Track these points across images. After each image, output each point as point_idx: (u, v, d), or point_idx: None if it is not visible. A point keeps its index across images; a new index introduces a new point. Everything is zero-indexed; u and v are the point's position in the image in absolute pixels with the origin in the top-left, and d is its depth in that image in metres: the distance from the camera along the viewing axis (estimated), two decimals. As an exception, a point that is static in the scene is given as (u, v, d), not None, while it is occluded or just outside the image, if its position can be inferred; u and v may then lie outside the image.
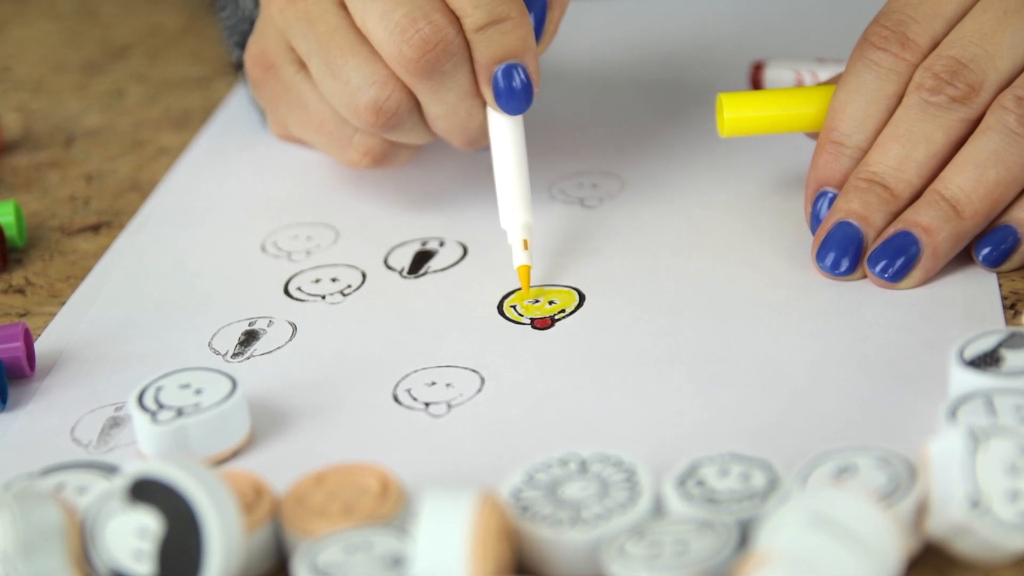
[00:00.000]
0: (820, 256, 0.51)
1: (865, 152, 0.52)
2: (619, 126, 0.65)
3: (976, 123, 0.50)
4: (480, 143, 0.54)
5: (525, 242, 0.52)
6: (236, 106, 0.71)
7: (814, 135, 0.55)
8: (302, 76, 0.55)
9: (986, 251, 0.50)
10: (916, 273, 0.50)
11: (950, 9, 0.51)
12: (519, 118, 0.53)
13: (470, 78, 0.52)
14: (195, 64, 0.78)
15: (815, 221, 0.52)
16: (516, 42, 0.51)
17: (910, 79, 0.51)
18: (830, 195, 0.52)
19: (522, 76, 0.51)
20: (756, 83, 0.65)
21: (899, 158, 0.50)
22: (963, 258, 0.51)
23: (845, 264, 0.51)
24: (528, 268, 0.52)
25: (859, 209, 0.51)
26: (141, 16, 0.86)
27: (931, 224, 0.50)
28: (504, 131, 0.53)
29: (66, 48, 0.82)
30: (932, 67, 0.51)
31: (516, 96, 0.52)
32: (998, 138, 0.49)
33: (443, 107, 0.52)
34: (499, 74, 0.51)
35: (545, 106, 0.67)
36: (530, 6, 0.52)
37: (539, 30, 0.53)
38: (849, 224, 0.51)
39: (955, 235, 0.50)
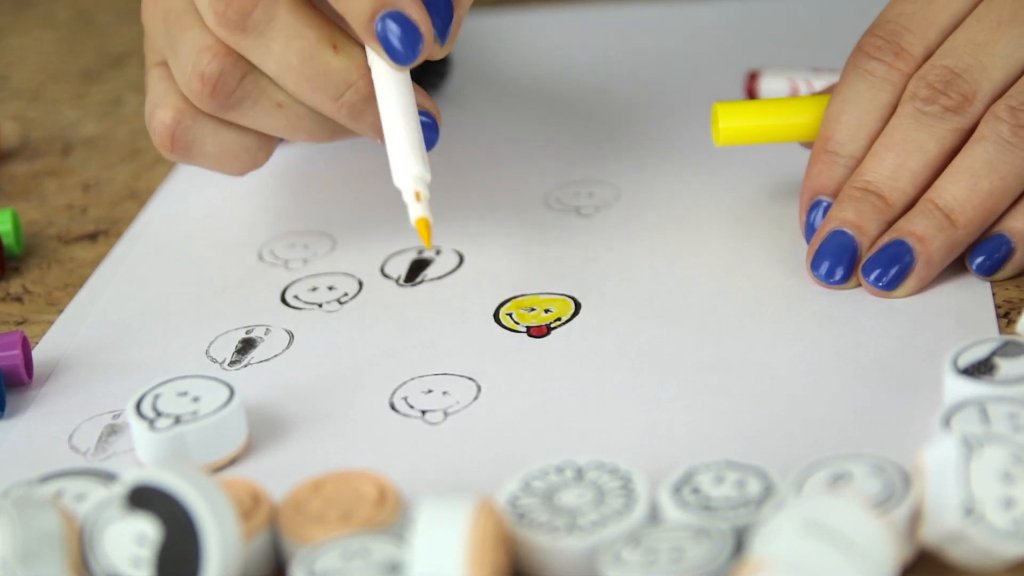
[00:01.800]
0: (815, 265, 0.51)
1: (859, 161, 0.52)
2: (614, 135, 0.65)
3: (969, 133, 0.51)
4: (348, 101, 0.51)
5: (418, 194, 0.50)
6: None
7: (808, 145, 0.55)
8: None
9: (980, 260, 0.51)
10: (910, 282, 0.50)
11: (944, 19, 0.52)
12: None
13: (291, 20, 0.50)
14: (192, 73, 0.78)
15: (810, 230, 0.52)
16: None
17: (904, 89, 0.52)
18: (824, 204, 0.52)
19: (405, 22, 0.49)
20: (751, 92, 0.65)
21: (893, 167, 0.51)
22: (957, 267, 0.51)
23: (839, 273, 0.51)
24: (426, 221, 0.50)
25: (853, 218, 0.51)
26: (138, 25, 0.84)
27: (925, 233, 0.50)
28: (387, 81, 0.51)
29: (63, 57, 0.82)
30: (926, 77, 0.51)
31: (404, 44, 0.49)
32: (992, 147, 0.50)
33: (273, 60, 0.50)
34: (380, 24, 0.49)
35: (540, 116, 0.68)
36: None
37: (447, 24, 0.51)
38: (843, 233, 0.51)
39: (949, 244, 0.50)
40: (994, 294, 0.50)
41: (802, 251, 0.53)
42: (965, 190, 0.50)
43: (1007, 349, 0.44)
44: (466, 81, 0.72)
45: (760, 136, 0.54)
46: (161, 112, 0.53)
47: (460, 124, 0.67)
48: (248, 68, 0.51)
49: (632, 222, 0.57)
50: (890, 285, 0.50)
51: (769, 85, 0.64)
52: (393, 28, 0.49)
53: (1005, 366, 0.44)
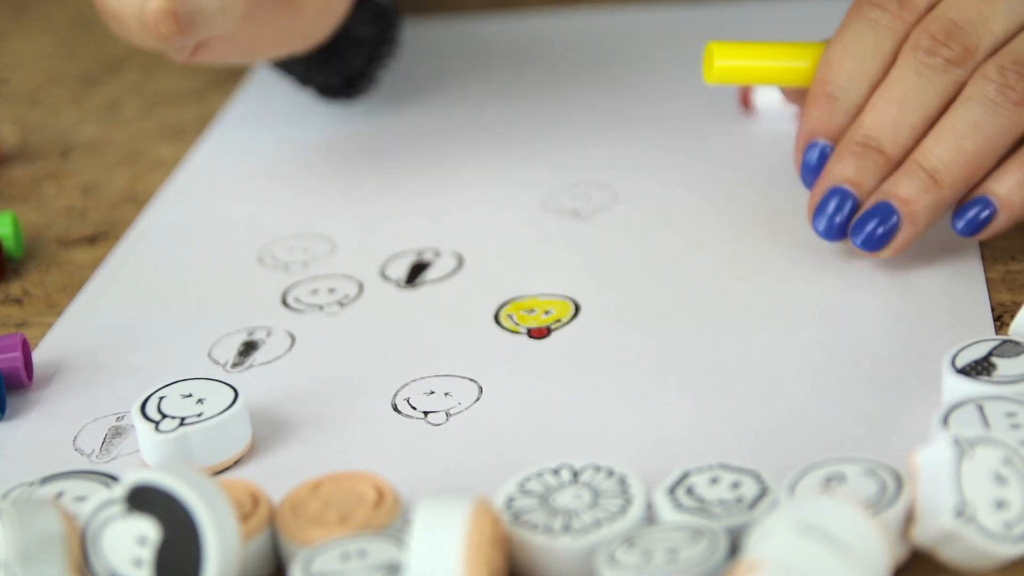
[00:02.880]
0: (815, 221, 0.52)
1: (858, 107, 0.52)
2: (612, 138, 0.65)
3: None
4: None
5: None
6: (232, 118, 0.72)
7: (793, 96, 0.55)
8: None
9: (962, 222, 0.51)
10: (896, 242, 0.51)
11: None
12: None
13: None
14: (190, 77, 0.78)
15: (805, 170, 0.53)
16: None
17: (906, 38, 0.52)
18: (821, 145, 0.52)
19: None
20: (746, 97, 0.65)
21: (895, 122, 0.51)
22: (951, 268, 0.52)
23: (840, 230, 0.52)
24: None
25: (854, 176, 0.51)
26: None
27: (909, 195, 0.50)
28: None
29: (62, 61, 0.83)
30: (928, 28, 0.51)
31: None
32: (977, 108, 0.50)
33: None
34: None
35: (538, 118, 0.68)
36: None
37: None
38: (844, 191, 0.51)
39: (934, 204, 0.51)
40: (990, 297, 0.50)
41: (801, 252, 0.53)
42: (950, 151, 0.50)
43: (1005, 349, 0.45)
44: (465, 84, 0.72)
45: (754, 77, 0.54)
46: None
47: (459, 127, 0.68)
48: None
49: (630, 224, 0.58)
50: (876, 246, 0.51)
51: (764, 90, 0.65)
52: None
53: (1003, 365, 0.44)
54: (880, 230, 0.51)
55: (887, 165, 0.51)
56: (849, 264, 0.53)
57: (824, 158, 0.52)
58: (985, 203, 0.51)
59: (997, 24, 0.51)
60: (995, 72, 0.50)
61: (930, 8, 0.52)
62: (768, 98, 0.65)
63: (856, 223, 0.51)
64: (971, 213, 0.51)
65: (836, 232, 0.52)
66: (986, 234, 0.51)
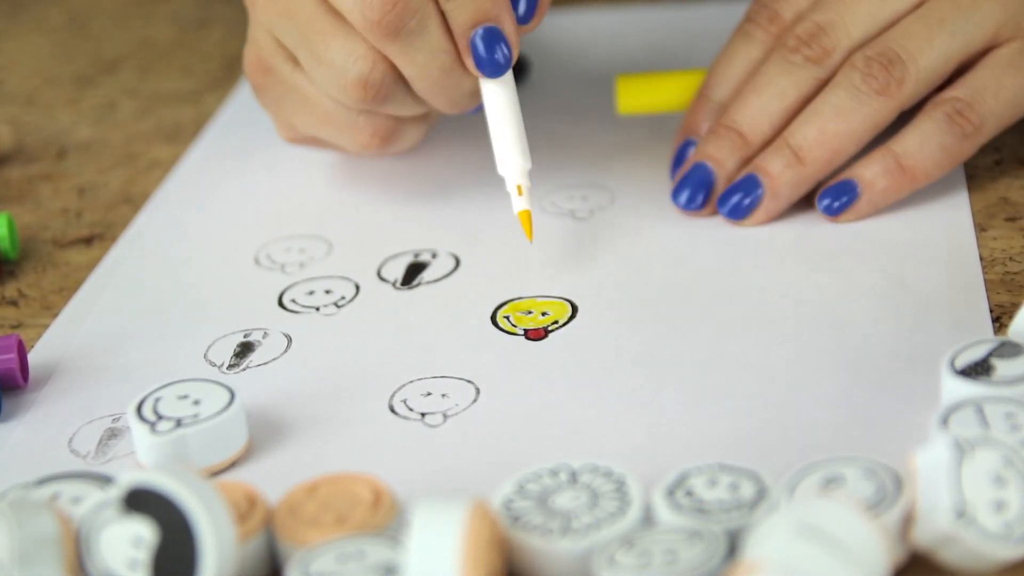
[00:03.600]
0: (675, 194, 0.57)
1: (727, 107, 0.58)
2: (609, 139, 0.65)
3: (827, 83, 0.56)
4: (463, 104, 0.55)
5: (519, 187, 0.53)
6: (228, 119, 0.72)
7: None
8: (297, 71, 0.56)
9: (827, 202, 0.55)
10: (759, 213, 0.56)
11: None
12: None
13: (438, 35, 0.52)
14: (186, 78, 0.78)
15: (675, 164, 0.58)
16: (488, 5, 0.52)
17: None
18: (694, 143, 0.58)
19: (500, 40, 0.52)
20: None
21: (755, 110, 0.56)
22: (950, 269, 0.52)
23: (698, 200, 0.56)
24: (528, 214, 0.53)
25: (714, 153, 0.56)
26: (132, 30, 0.86)
27: (774, 169, 0.55)
28: (495, 82, 0.54)
29: (57, 61, 0.83)
30: (795, 30, 0.56)
31: (494, 60, 0.52)
32: (843, 93, 0.55)
33: (416, 68, 0.53)
34: (476, 39, 0.52)
35: (535, 119, 0.68)
36: None
37: (532, 2, 0.53)
38: (704, 166, 0.56)
39: (795, 180, 0.55)
40: (988, 298, 0.50)
41: (799, 253, 0.54)
42: (815, 131, 0.55)
43: (1004, 350, 0.45)
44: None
45: (658, 107, 0.62)
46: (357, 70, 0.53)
47: (455, 127, 0.68)
48: (394, 70, 0.53)
49: (627, 225, 0.58)
50: (740, 215, 0.56)
51: None
52: (486, 43, 0.52)
53: (1002, 367, 0.44)
54: (745, 201, 0.55)
55: (745, 147, 0.56)
56: (849, 266, 0.53)
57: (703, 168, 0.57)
58: (850, 185, 0.55)
59: (855, 28, 0.55)
60: (862, 62, 0.54)
61: (798, 19, 0.57)
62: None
63: (723, 194, 0.56)
64: (835, 193, 0.55)
65: (695, 202, 0.56)
66: (846, 217, 0.55)
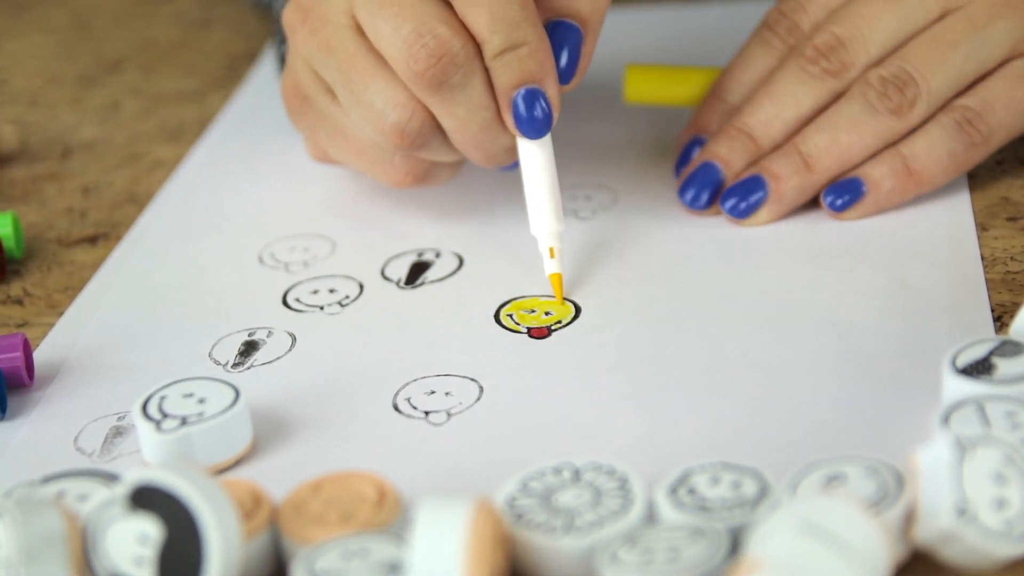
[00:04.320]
0: (682, 191, 0.57)
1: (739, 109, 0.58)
2: (611, 140, 0.65)
3: (841, 95, 0.56)
4: (498, 160, 0.54)
5: (552, 250, 0.53)
6: (231, 119, 0.72)
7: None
8: (335, 105, 0.55)
9: (831, 198, 0.56)
10: (762, 214, 0.56)
11: (836, 3, 0.57)
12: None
13: (481, 92, 0.52)
14: (189, 78, 0.78)
15: (681, 161, 0.59)
16: (534, 67, 0.51)
17: None
18: (702, 140, 0.58)
19: (541, 101, 0.52)
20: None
21: (769, 115, 0.56)
22: (951, 269, 0.52)
23: (704, 199, 0.57)
24: (559, 276, 0.53)
25: (724, 153, 0.57)
26: (135, 30, 0.86)
27: (782, 173, 0.56)
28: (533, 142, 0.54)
29: (61, 62, 0.83)
30: (813, 38, 0.56)
31: (535, 121, 0.52)
32: (858, 107, 0.55)
33: (455, 121, 0.52)
34: (518, 99, 0.52)
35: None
36: (564, 37, 0.52)
37: (574, 61, 0.53)
38: (712, 165, 0.57)
39: (802, 186, 0.56)
40: (990, 297, 0.51)
41: (802, 253, 0.54)
42: (827, 140, 0.55)
43: (1005, 349, 0.45)
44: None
45: (665, 99, 0.61)
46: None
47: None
48: (432, 120, 0.53)
49: (629, 225, 0.58)
50: (743, 214, 0.56)
51: None
52: (528, 104, 0.52)
53: (1003, 366, 0.44)
54: (748, 200, 0.56)
55: (756, 151, 0.57)
56: (850, 265, 0.53)
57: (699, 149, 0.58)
58: (857, 183, 0.55)
59: (874, 45, 0.56)
60: (877, 82, 0.55)
61: (815, 29, 0.57)
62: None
63: (727, 191, 0.56)
64: (841, 191, 0.55)
65: (700, 200, 0.57)
66: (851, 214, 0.56)
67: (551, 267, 0.53)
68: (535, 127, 0.52)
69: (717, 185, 0.57)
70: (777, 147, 0.56)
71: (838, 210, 0.55)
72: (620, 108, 0.68)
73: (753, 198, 0.56)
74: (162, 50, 0.83)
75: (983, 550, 0.38)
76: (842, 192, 0.55)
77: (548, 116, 0.52)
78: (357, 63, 0.52)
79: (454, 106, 0.52)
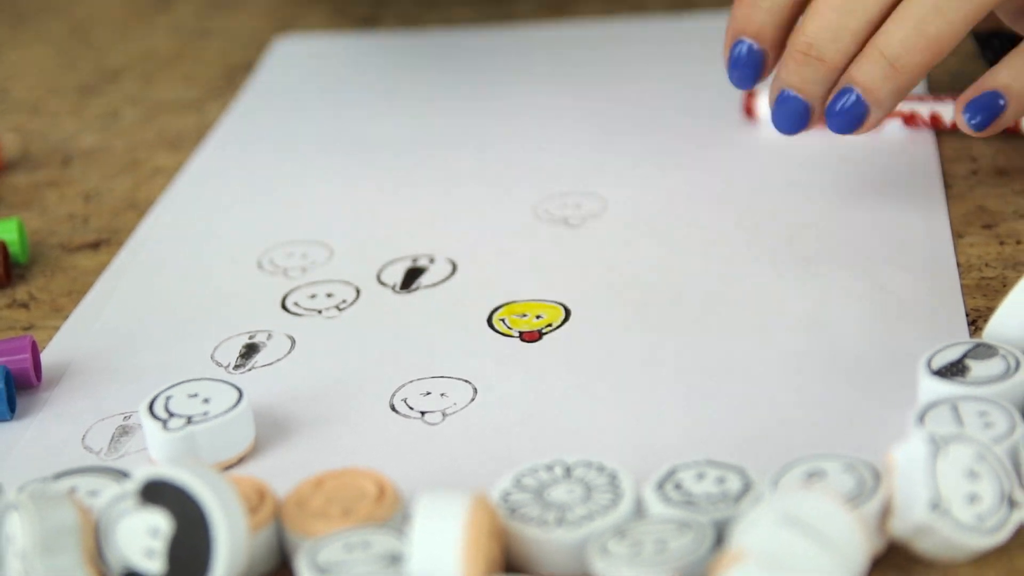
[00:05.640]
0: (776, 125, 0.54)
1: (782, 7, 0.53)
2: (601, 148, 0.66)
3: None
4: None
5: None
6: (229, 128, 0.72)
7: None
8: None
9: (970, 115, 0.52)
10: (868, 124, 0.52)
11: None
12: None
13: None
14: (188, 87, 0.79)
15: (732, 65, 0.54)
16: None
17: None
18: (747, 44, 0.54)
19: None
20: (749, 109, 0.66)
21: (835, 28, 0.51)
22: (928, 274, 0.53)
23: (798, 129, 0.53)
24: None
25: (798, 84, 0.52)
26: (134, 40, 0.87)
27: (872, 84, 0.51)
28: None
29: (61, 71, 0.83)
30: None
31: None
32: None
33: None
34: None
35: (531, 128, 0.69)
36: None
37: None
38: (791, 97, 0.53)
39: (896, 90, 0.51)
40: (964, 302, 0.52)
41: (784, 261, 0.55)
42: (912, 34, 0.50)
43: (978, 352, 0.46)
44: (458, 95, 0.73)
45: None
46: None
47: (452, 136, 0.69)
48: None
49: (618, 232, 0.59)
50: (849, 130, 0.52)
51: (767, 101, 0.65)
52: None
53: (976, 368, 0.45)
54: (848, 119, 0.52)
55: (830, 72, 0.52)
56: (831, 272, 0.54)
57: (752, 54, 0.54)
58: (996, 96, 0.52)
59: None
60: None
61: None
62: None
63: (828, 115, 0.52)
64: (980, 107, 0.52)
65: (794, 127, 0.53)
66: (993, 129, 0.52)
67: None
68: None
69: (804, 115, 0.53)
70: (851, 59, 0.51)
71: (980, 129, 0.52)
72: (608, 116, 0.69)
73: (852, 115, 0.52)
74: (161, 60, 0.83)
75: (956, 543, 0.39)
76: (980, 108, 0.52)
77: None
78: None
79: None
